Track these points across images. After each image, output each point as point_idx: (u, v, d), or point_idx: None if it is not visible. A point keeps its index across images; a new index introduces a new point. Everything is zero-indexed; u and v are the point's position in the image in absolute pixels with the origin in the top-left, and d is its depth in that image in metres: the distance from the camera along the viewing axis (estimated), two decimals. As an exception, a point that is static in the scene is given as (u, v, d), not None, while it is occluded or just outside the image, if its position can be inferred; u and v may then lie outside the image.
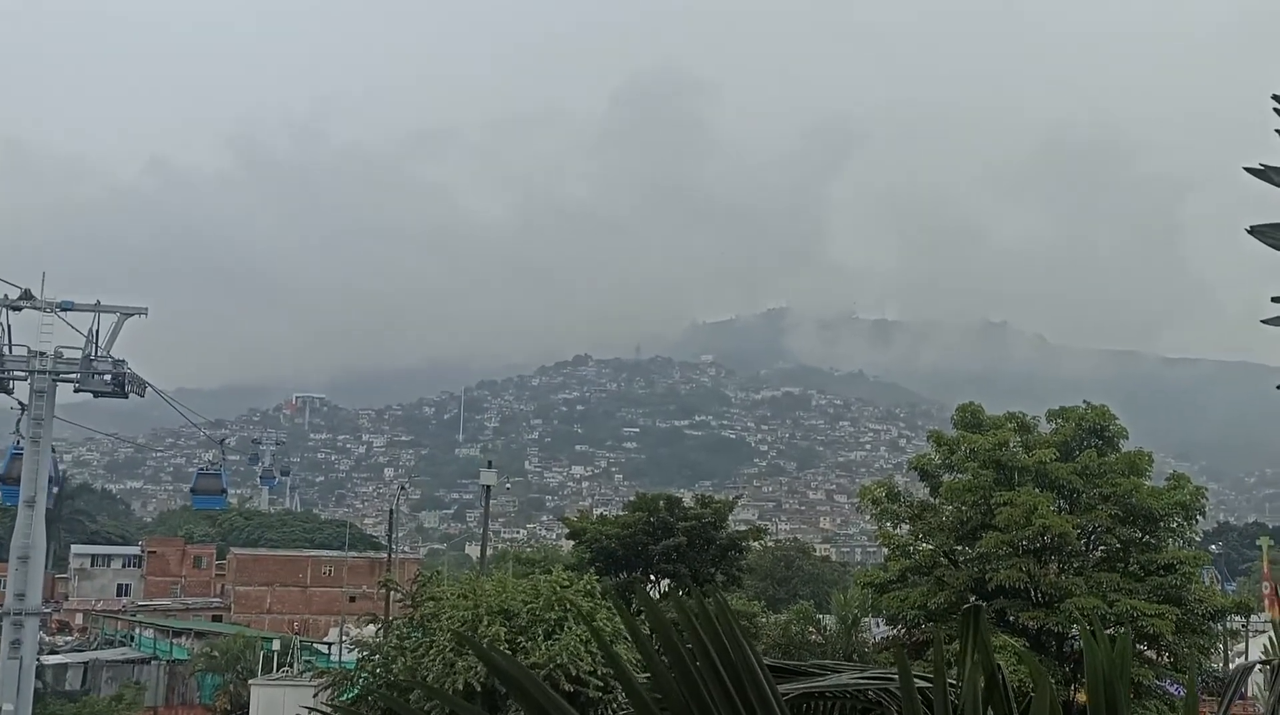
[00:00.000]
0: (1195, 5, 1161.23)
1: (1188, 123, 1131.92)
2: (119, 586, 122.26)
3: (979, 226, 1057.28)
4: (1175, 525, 39.56)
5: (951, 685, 4.12)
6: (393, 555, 61.75)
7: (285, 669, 63.03)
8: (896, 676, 4.49)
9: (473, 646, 3.70)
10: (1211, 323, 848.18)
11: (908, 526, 41.68)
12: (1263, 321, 3.31)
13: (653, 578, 51.17)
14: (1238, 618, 52.48)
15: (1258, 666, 4.80)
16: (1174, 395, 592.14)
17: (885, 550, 44.02)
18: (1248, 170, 3.31)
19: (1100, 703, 3.88)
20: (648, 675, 4.33)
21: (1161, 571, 38.08)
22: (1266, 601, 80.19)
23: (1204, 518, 43.04)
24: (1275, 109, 3.34)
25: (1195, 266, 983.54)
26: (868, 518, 45.55)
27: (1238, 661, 58.58)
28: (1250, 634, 68.80)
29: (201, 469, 53.40)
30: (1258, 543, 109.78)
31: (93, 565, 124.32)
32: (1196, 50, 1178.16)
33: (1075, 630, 38.12)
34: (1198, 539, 44.00)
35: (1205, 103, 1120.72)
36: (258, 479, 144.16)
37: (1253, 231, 3.32)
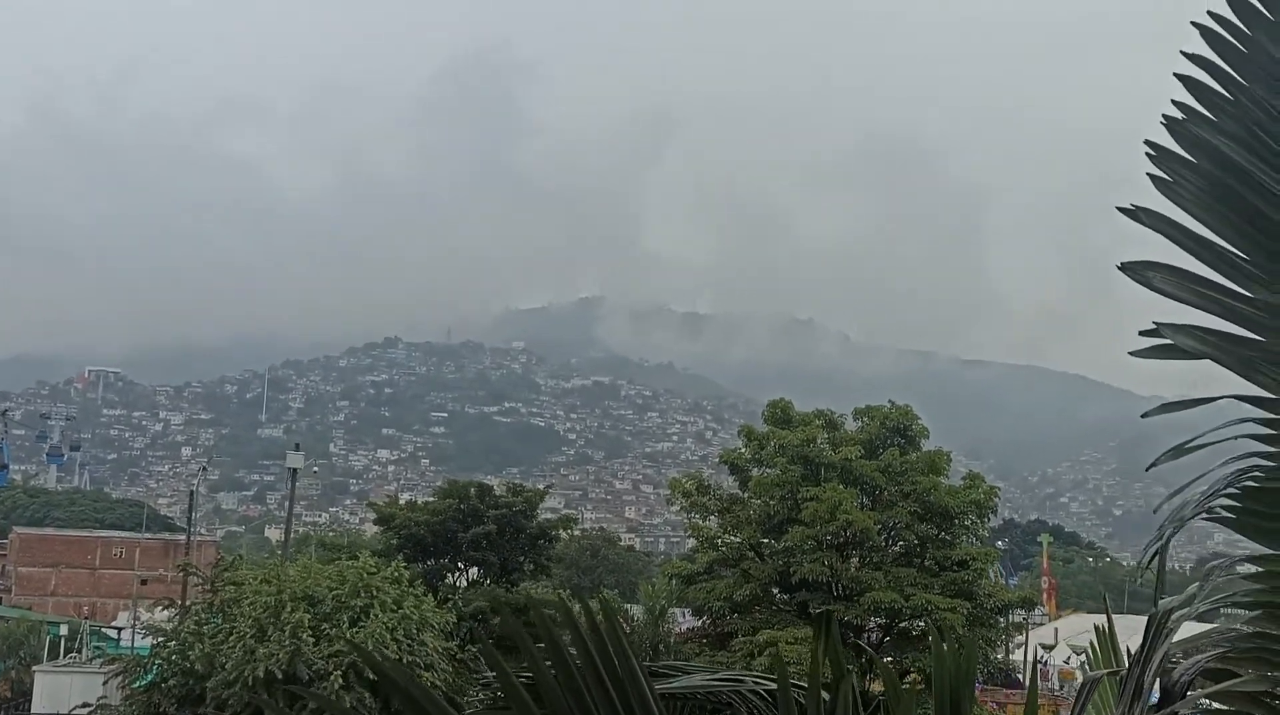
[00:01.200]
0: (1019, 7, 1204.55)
1: (998, 128, 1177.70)
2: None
3: (792, 222, 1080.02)
4: (969, 523, 41.07)
5: (796, 685, 4.17)
6: (191, 537, 59.91)
7: (73, 655, 60.54)
8: (748, 679, 4.52)
9: (360, 652, 3.58)
10: (1004, 327, 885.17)
11: (716, 519, 42.24)
12: (1131, 353, 3.41)
13: (460, 566, 50.82)
14: (1020, 611, 54.80)
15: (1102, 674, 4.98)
16: (968, 395, 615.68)
17: (693, 542, 44.55)
18: (1120, 210, 3.32)
19: (946, 705, 3.98)
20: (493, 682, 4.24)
21: (955, 567, 39.49)
22: (1045, 596, 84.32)
23: (995, 516, 44.83)
24: (1147, 153, 3.35)
25: (992, 272, 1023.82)
26: (674, 509, 46.08)
27: (1048, 660, 61.28)
28: (1029, 626, 72.15)
29: None
30: (1039, 539, 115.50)
31: None
32: (1015, 56, 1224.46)
33: (872, 623, 39.26)
34: (987, 536, 45.80)
35: (1014, 109, 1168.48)
36: (44, 456, 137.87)
37: (1124, 268, 3.33)
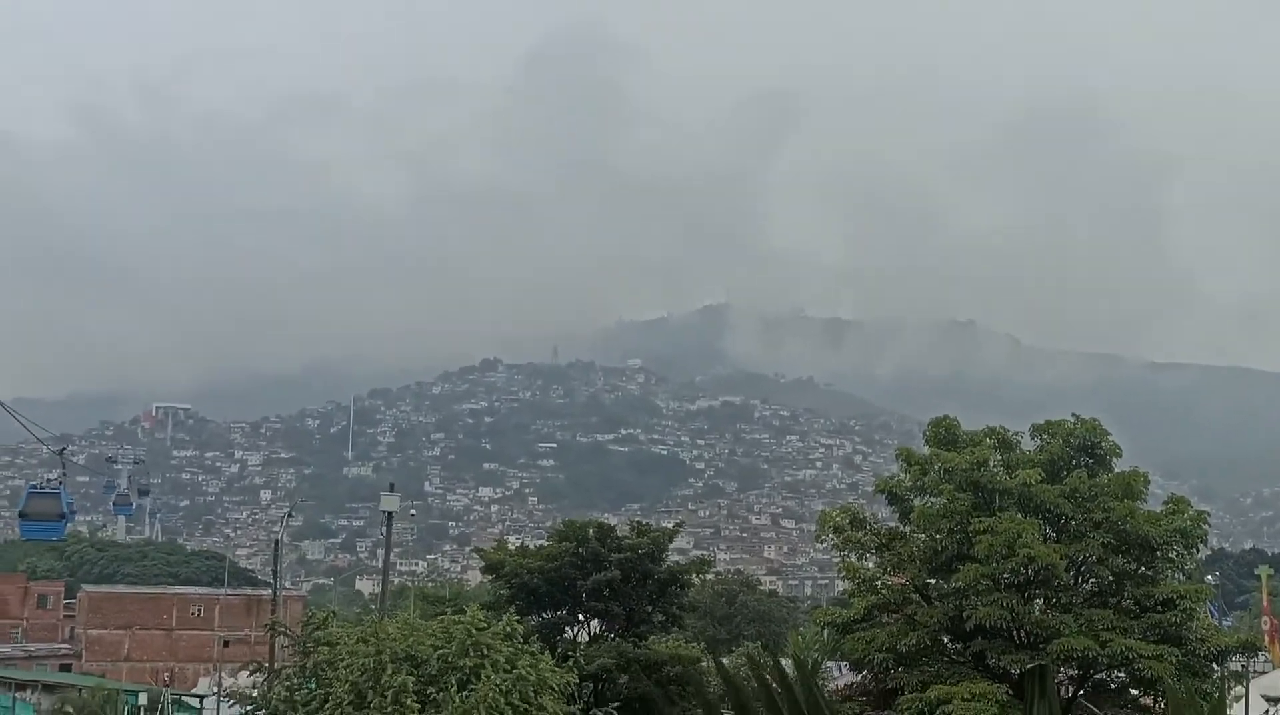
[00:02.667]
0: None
1: (1173, 94, 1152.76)
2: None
3: (944, 211, 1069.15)
4: (1174, 555, 40.07)
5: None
6: (276, 592, 61.02)
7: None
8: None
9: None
10: (1200, 322, 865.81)
11: (873, 557, 41.82)
12: None
13: (581, 618, 51.07)
14: (1239, 657, 53.33)
15: None
16: (1161, 405, 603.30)
17: (847, 584, 44.10)
18: None
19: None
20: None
21: (1159, 607, 38.52)
22: (1268, 638, 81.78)
23: (1204, 546, 43.73)
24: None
25: (1183, 259, 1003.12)
26: (822, 546, 45.67)
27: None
28: (1251, 675, 70.05)
29: (34, 486, 45.75)
30: (1256, 572, 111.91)
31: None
32: (1185, 14, 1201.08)
33: (1062, 675, 38.51)
34: (1195, 569, 44.67)
35: (1193, 72, 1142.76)
36: (110, 504, 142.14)
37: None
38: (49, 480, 45.29)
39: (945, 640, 40.48)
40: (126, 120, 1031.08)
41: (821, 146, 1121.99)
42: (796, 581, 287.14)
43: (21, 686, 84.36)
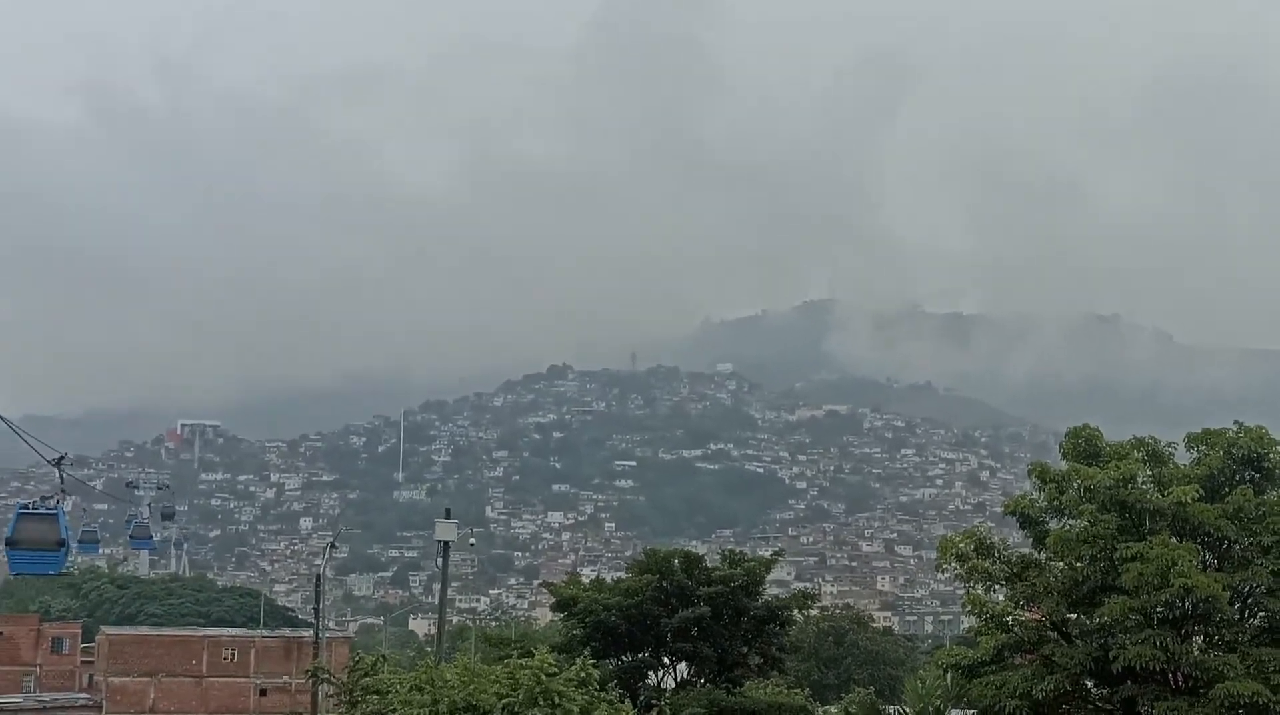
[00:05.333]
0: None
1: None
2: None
3: (1078, 190, 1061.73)
4: (1358, 585, 39.53)
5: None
6: (319, 634, 61.63)
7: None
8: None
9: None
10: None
11: (1003, 589, 41.59)
12: None
13: (666, 661, 51.20)
14: None
15: None
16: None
17: (973, 620, 43.89)
18: None
19: None
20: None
21: (1341, 646, 38.04)
22: None
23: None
24: None
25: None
26: (944, 577, 45.48)
27: None
28: None
29: (25, 507, 41.72)
30: None
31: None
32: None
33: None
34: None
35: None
36: (128, 537, 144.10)
37: None
38: (44, 500, 42.07)
39: (1088, 685, 40.22)
40: (142, 100, 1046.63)
41: (938, 116, 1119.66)
42: (915, 617, 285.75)
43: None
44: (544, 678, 30.54)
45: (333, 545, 67.81)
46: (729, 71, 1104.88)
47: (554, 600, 54.16)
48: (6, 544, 41.15)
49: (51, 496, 41.91)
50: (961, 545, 42.16)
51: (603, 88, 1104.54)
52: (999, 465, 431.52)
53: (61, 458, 41.02)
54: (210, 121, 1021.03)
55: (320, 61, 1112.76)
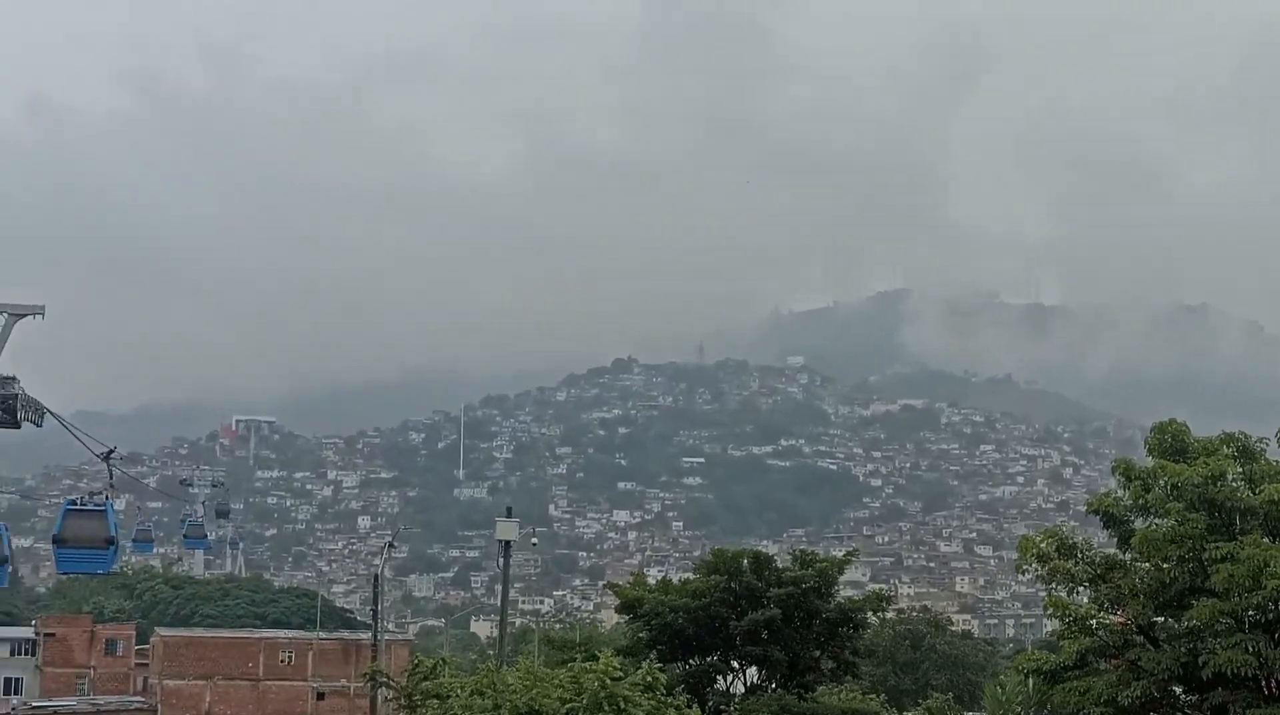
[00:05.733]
0: None
1: None
2: (7, 681, 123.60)
3: (1163, 174, 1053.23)
4: None
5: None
6: (378, 636, 61.89)
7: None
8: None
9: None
10: None
11: (1087, 591, 41.33)
12: None
13: (736, 664, 51.13)
14: None
15: None
16: None
17: (1055, 624, 43.63)
18: None
19: None
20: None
21: None
22: None
23: None
24: None
25: None
26: (1027, 578, 45.24)
27: None
28: None
29: (73, 503, 40.44)
30: None
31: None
32: None
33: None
34: None
35: None
36: (181, 537, 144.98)
37: None
38: (92, 496, 40.61)
39: (1177, 691, 39.90)
40: (190, 89, 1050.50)
41: (1014, 98, 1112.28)
42: (995, 620, 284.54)
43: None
44: (609, 682, 30.52)
45: (391, 545, 68.15)
46: (795, 52, 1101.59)
47: (619, 602, 54.24)
48: (54, 542, 39.87)
49: (100, 492, 40.77)
50: (1042, 545, 41.92)
51: (664, 71, 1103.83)
52: (1083, 462, 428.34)
53: (110, 452, 40.41)
54: (260, 110, 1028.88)
55: (370, 46, 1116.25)
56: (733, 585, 50.04)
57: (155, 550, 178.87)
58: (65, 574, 59.06)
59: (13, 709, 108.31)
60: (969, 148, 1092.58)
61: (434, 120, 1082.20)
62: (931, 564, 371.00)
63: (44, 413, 39.91)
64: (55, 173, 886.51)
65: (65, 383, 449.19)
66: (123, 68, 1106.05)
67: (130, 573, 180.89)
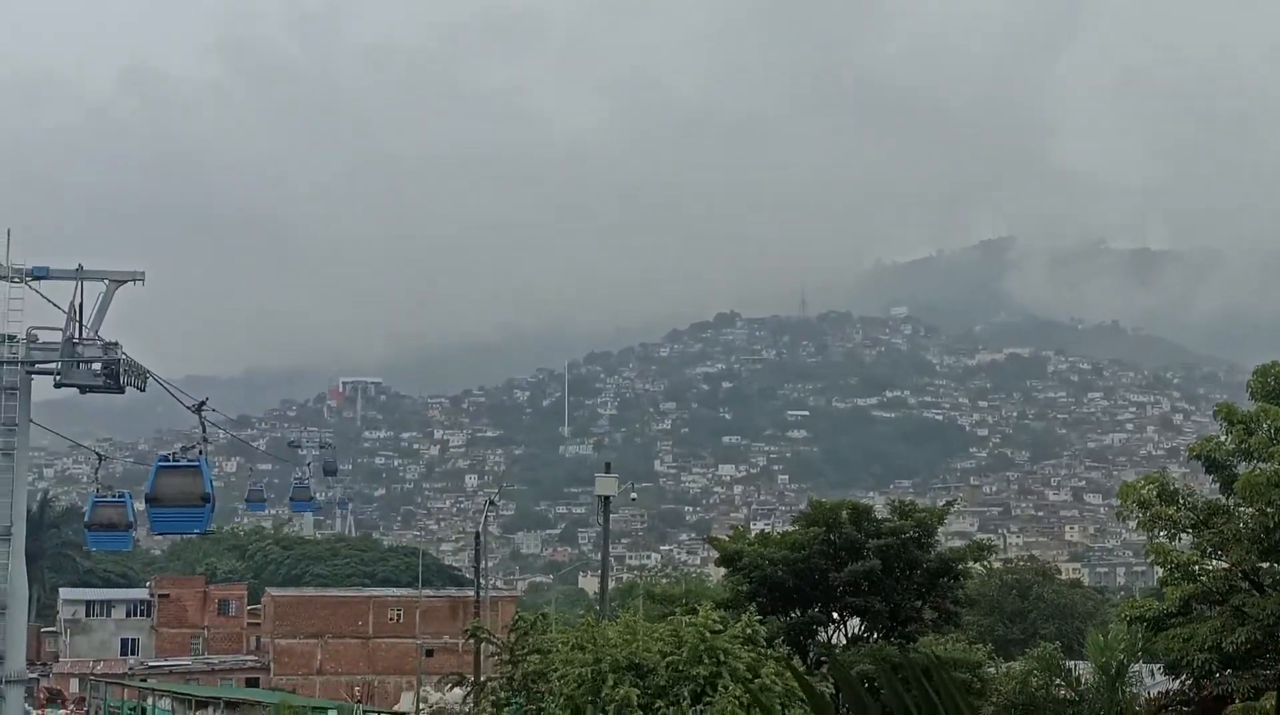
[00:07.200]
0: None
1: None
2: (123, 642, 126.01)
3: (1271, 114, 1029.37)
4: None
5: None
6: (483, 593, 62.57)
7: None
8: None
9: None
10: None
11: (1190, 537, 40.94)
12: None
13: (836, 616, 51.13)
14: None
15: None
16: None
17: (1159, 570, 43.28)
18: None
19: None
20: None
21: None
22: None
23: None
24: None
25: None
26: (1133, 526, 44.87)
27: None
28: None
29: (165, 459, 38.83)
30: None
31: (88, 614, 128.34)
32: None
33: None
34: None
35: None
36: (289, 500, 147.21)
37: None
38: (185, 451, 39.18)
39: (1285, 637, 39.50)
40: (283, 55, 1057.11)
41: (1119, 39, 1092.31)
42: (1106, 569, 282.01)
43: (202, 704, 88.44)
44: (708, 635, 30.55)
45: (492, 502, 68.67)
46: (893, 1, 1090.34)
47: (718, 556, 54.41)
48: (147, 501, 38.55)
49: (194, 447, 39.35)
50: (1144, 492, 41.52)
51: (762, 28, 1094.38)
52: (1193, 408, 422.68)
53: (202, 403, 39.70)
54: (353, 75, 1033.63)
55: (462, 8, 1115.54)
56: (831, 537, 49.98)
57: (268, 511, 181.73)
58: (160, 534, 58.32)
59: (130, 669, 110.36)
60: (1073, 93, 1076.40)
61: (531, 83, 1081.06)
62: (1040, 513, 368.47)
63: (146, 377, 40.52)
64: (154, 143, 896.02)
65: (174, 349, 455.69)
66: (215, 37, 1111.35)
67: (242, 534, 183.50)
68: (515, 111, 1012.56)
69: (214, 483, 38.73)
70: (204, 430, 39.11)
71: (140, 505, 43.25)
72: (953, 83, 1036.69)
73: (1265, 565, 40.05)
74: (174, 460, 38.69)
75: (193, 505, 37.90)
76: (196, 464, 38.16)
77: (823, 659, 47.49)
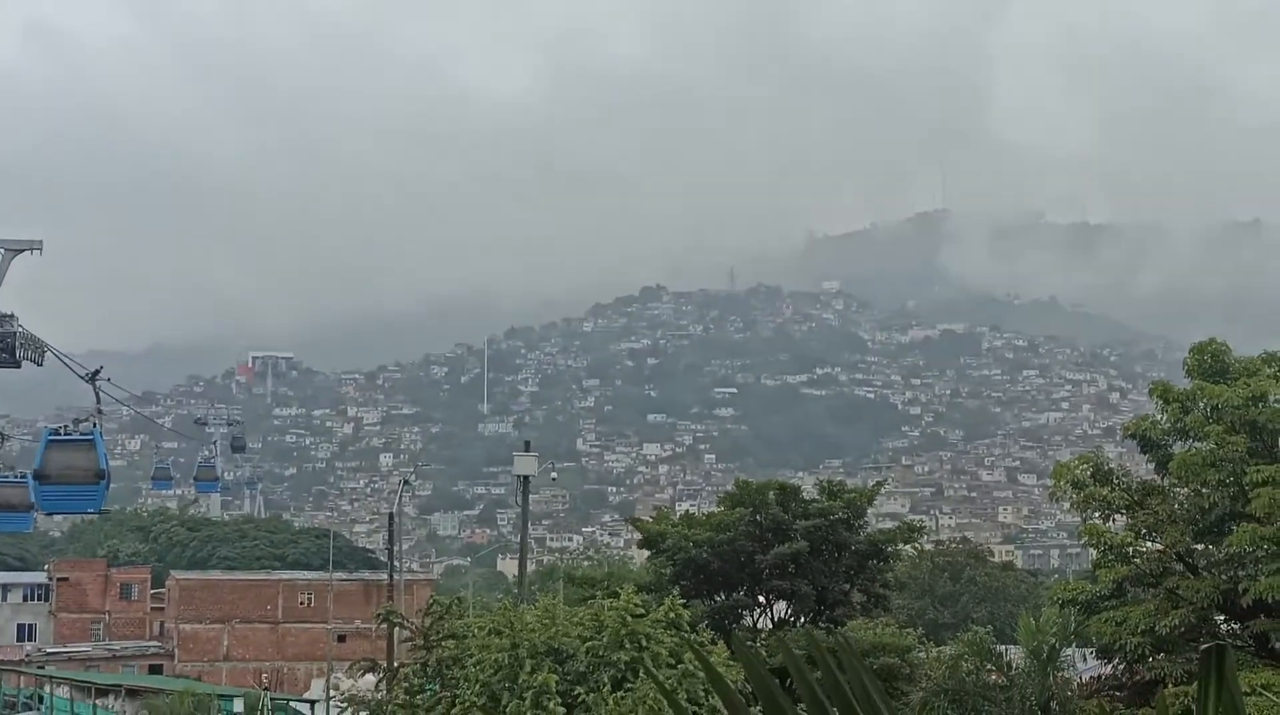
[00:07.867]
0: None
1: None
2: (20, 628, 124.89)
3: (1217, 87, 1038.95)
4: None
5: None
6: (397, 576, 62.43)
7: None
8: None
9: None
10: None
11: (1125, 519, 41.38)
12: None
13: (762, 599, 51.40)
14: None
15: None
16: None
17: (1093, 553, 43.73)
18: None
19: None
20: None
21: None
22: None
23: None
24: None
25: None
26: (1066, 507, 45.31)
27: None
28: None
29: (54, 432, 36.07)
30: None
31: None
32: None
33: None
34: None
35: None
36: (192, 480, 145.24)
37: None
38: (77, 423, 36.50)
39: (1217, 620, 39.96)
40: (199, 13, 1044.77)
41: (1057, 9, 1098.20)
42: (1040, 551, 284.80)
43: (103, 692, 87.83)
44: (630, 619, 30.57)
45: (407, 482, 68.53)
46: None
47: (640, 537, 54.55)
48: (35, 477, 35.73)
49: (87, 419, 36.80)
50: (1077, 471, 41.96)
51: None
52: (1130, 386, 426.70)
53: (96, 372, 38.37)
54: (274, 38, 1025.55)
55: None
56: (758, 518, 50.23)
57: (174, 490, 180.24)
58: (49, 513, 52.15)
59: (27, 656, 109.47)
60: (1011, 64, 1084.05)
61: (457, 45, 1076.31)
62: (973, 494, 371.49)
63: (44, 351, 40.08)
64: (58, 104, 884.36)
65: (76, 321, 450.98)
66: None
67: (145, 515, 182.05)
68: (441, 75, 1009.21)
69: (111, 460, 37.15)
70: (98, 400, 37.54)
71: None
72: (890, 50, 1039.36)
73: (1200, 547, 40.55)
74: (65, 434, 36.39)
75: (86, 483, 35.55)
76: (90, 437, 35.91)
77: (748, 643, 47.76)
